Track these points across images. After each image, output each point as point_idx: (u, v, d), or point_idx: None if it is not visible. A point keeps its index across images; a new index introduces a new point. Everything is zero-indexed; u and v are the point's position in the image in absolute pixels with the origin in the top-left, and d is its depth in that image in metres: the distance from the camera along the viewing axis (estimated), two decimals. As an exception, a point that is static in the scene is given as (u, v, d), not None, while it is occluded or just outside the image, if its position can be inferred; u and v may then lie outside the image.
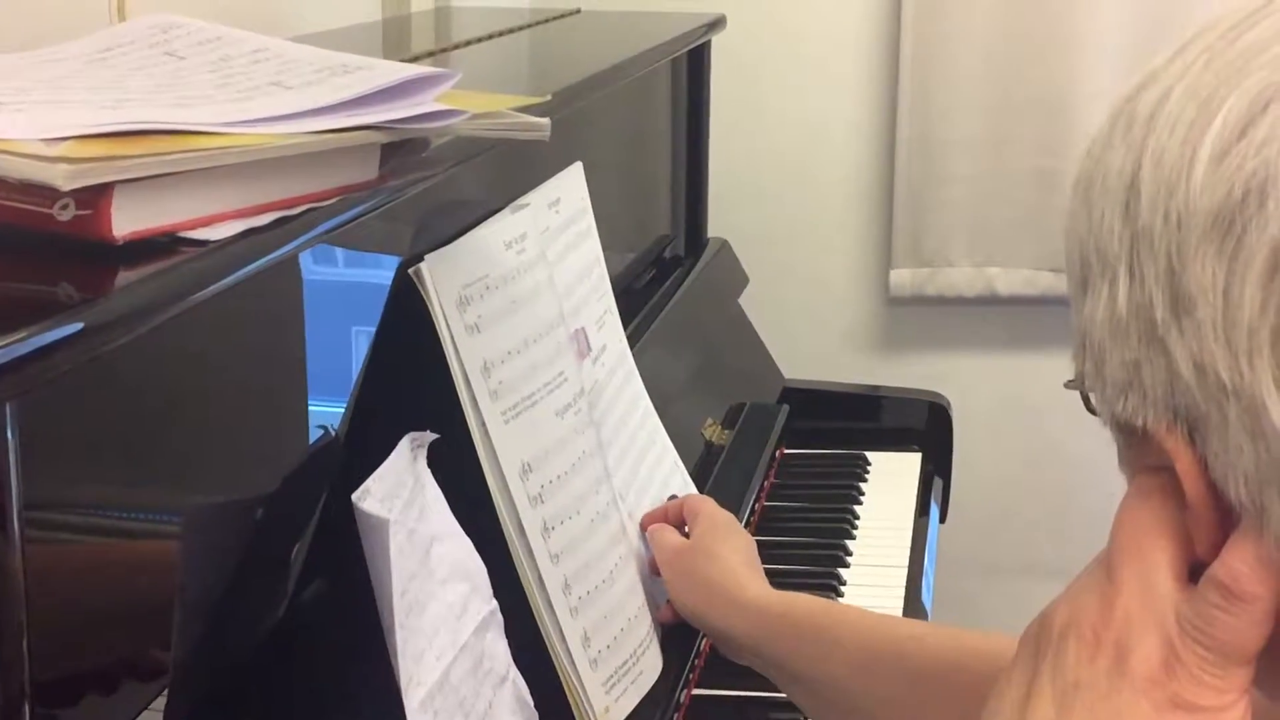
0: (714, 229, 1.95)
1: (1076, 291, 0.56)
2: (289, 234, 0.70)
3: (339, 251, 0.95)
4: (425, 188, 0.89)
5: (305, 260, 0.87)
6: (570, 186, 1.24)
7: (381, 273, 0.97)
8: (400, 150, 0.80)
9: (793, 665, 1.01)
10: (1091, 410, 0.58)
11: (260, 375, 0.86)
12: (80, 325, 0.56)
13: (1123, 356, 0.52)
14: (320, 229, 0.74)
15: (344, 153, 0.74)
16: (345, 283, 0.98)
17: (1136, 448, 0.55)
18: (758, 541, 1.19)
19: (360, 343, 0.98)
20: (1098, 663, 0.53)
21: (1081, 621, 0.55)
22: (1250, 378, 0.48)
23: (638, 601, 1.10)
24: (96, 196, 0.62)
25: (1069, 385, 0.61)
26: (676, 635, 1.15)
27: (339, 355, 0.97)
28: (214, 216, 0.66)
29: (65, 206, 0.62)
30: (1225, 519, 0.52)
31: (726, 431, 1.59)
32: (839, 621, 1.00)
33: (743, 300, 1.93)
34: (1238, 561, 0.51)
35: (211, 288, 0.64)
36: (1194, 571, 0.54)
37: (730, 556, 1.10)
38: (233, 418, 0.83)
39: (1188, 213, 0.50)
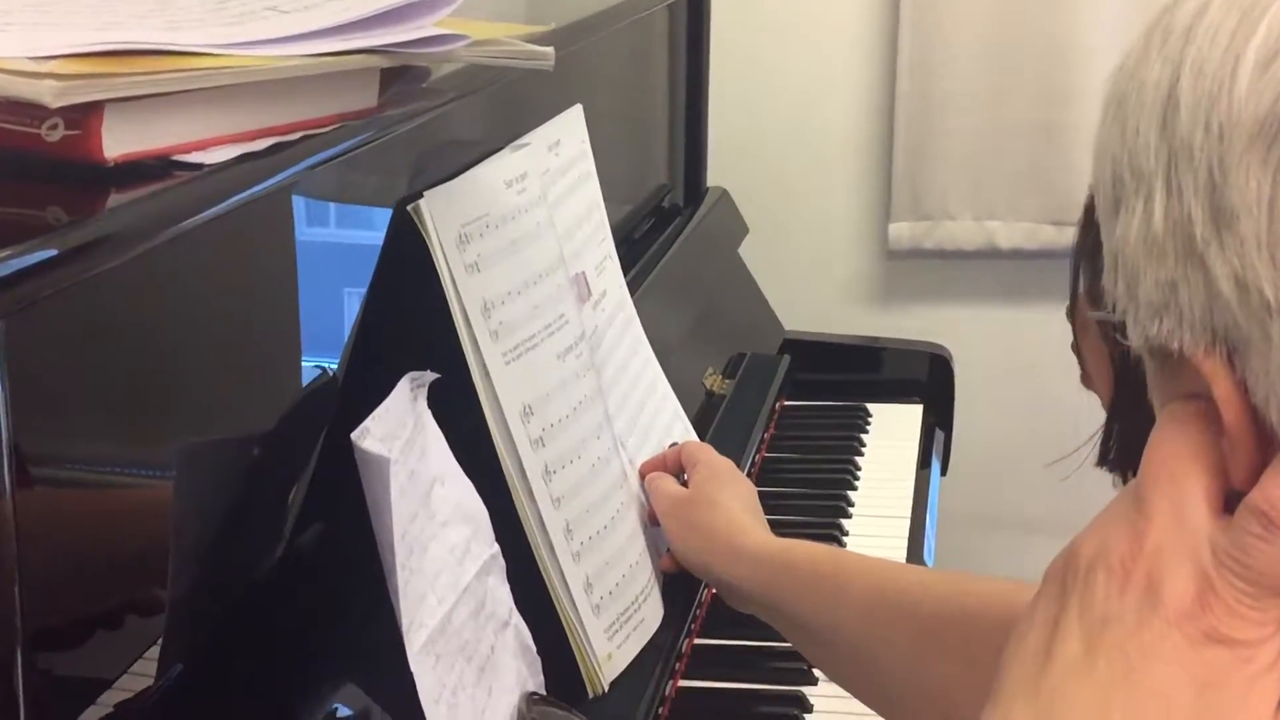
0: (713, 181, 1.93)
1: (1108, 213, 0.53)
2: (285, 160, 0.68)
3: (332, 212, 0.93)
4: (424, 122, 0.87)
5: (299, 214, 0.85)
6: (570, 128, 1.21)
7: (374, 234, 0.95)
8: (400, 79, 0.78)
9: (797, 613, 0.99)
10: (1109, 337, 0.56)
11: (257, 313, 0.84)
12: (68, 247, 0.54)
13: (1158, 276, 0.50)
14: (318, 157, 0.71)
15: (342, 78, 0.71)
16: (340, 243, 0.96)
17: (1170, 372, 0.53)
18: (759, 494, 1.17)
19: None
20: (1128, 596, 0.51)
21: (1110, 554, 0.52)
22: None
23: (639, 548, 1.08)
24: (86, 117, 0.60)
25: (1070, 315, 0.58)
26: (678, 584, 1.13)
27: (333, 312, 0.95)
28: (208, 140, 0.64)
29: (54, 127, 0.59)
30: (1264, 445, 0.50)
31: (727, 381, 1.57)
32: (844, 568, 0.99)
33: (741, 253, 1.91)
34: (1278, 488, 0.48)
35: (206, 213, 0.62)
36: (1228, 503, 0.52)
37: (731, 504, 1.09)
38: (230, 354, 0.80)
39: (1230, 123, 0.47)
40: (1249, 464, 0.50)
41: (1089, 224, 0.60)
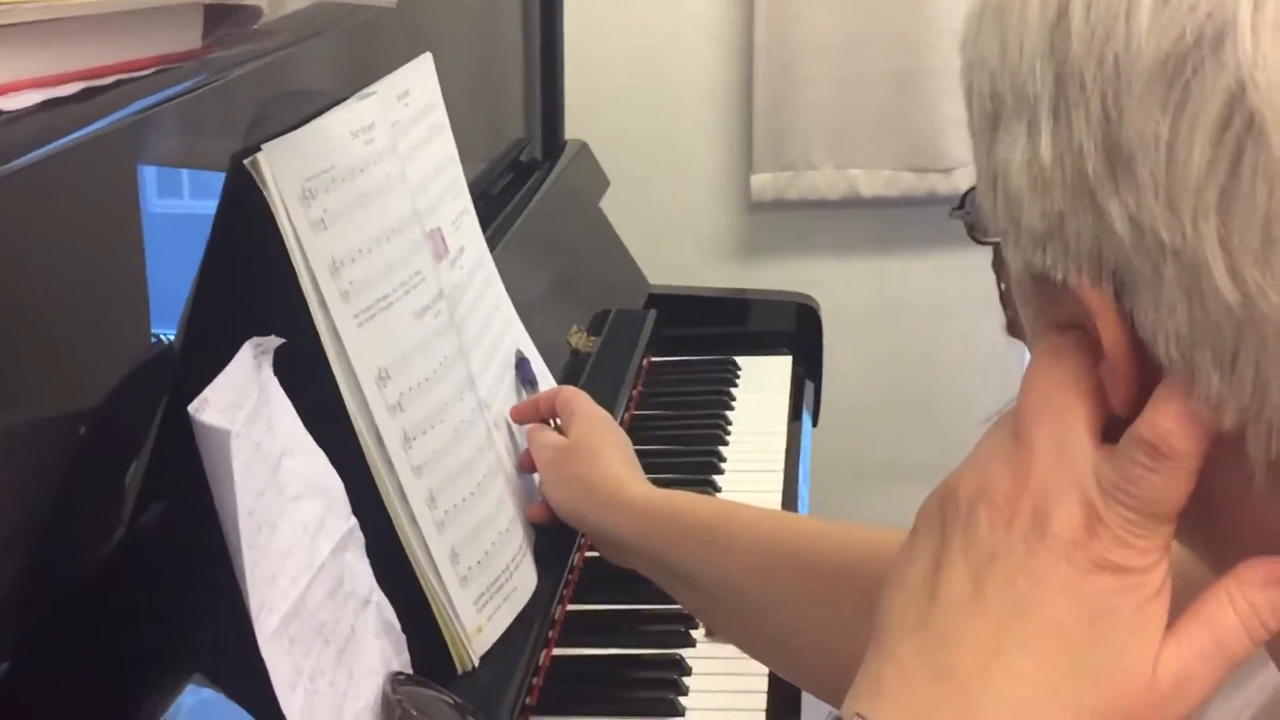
0: (571, 135, 1.88)
1: (983, 127, 0.50)
2: (99, 108, 0.62)
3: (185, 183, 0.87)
4: (259, 69, 0.80)
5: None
6: (420, 78, 1.15)
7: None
8: (227, 20, 0.72)
9: (681, 565, 0.96)
10: (977, 240, 0.55)
11: (86, 282, 0.77)
12: None
13: (1044, 207, 0.48)
14: (138, 105, 0.65)
15: (159, 15, 0.65)
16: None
17: (1048, 296, 0.51)
18: (630, 452, 1.13)
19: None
20: (1014, 530, 0.50)
21: (992, 490, 0.51)
22: (1193, 239, 0.44)
23: (508, 515, 1.03)
24: None
25: (953, 213, 0.57)
26: (550, 550, 1.09)
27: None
28: (6, 85, 0.57)
29: None
30: (1145, 375, 0.49)
31: (593, 338, 1.53)
32: (731, 519, 0.95)
33: (603, 208, 1.86)
34: (1165, 418, 0.48)
35: (10, 165, 0.55)
36: (1107, 431, 0.51)
37: (611, 455, 1.05)
38: (52, 326, 0.74)
39: (1128, 58, 0.45)
40: (1129, 391, 0.49)
41: None
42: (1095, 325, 0.49)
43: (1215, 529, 0.51)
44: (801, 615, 0.88)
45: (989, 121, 0.50)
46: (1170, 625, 0.49)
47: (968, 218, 0.57)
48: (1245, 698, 0.59)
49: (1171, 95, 0.44)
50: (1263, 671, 0.57)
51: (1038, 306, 0.52)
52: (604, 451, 1.05)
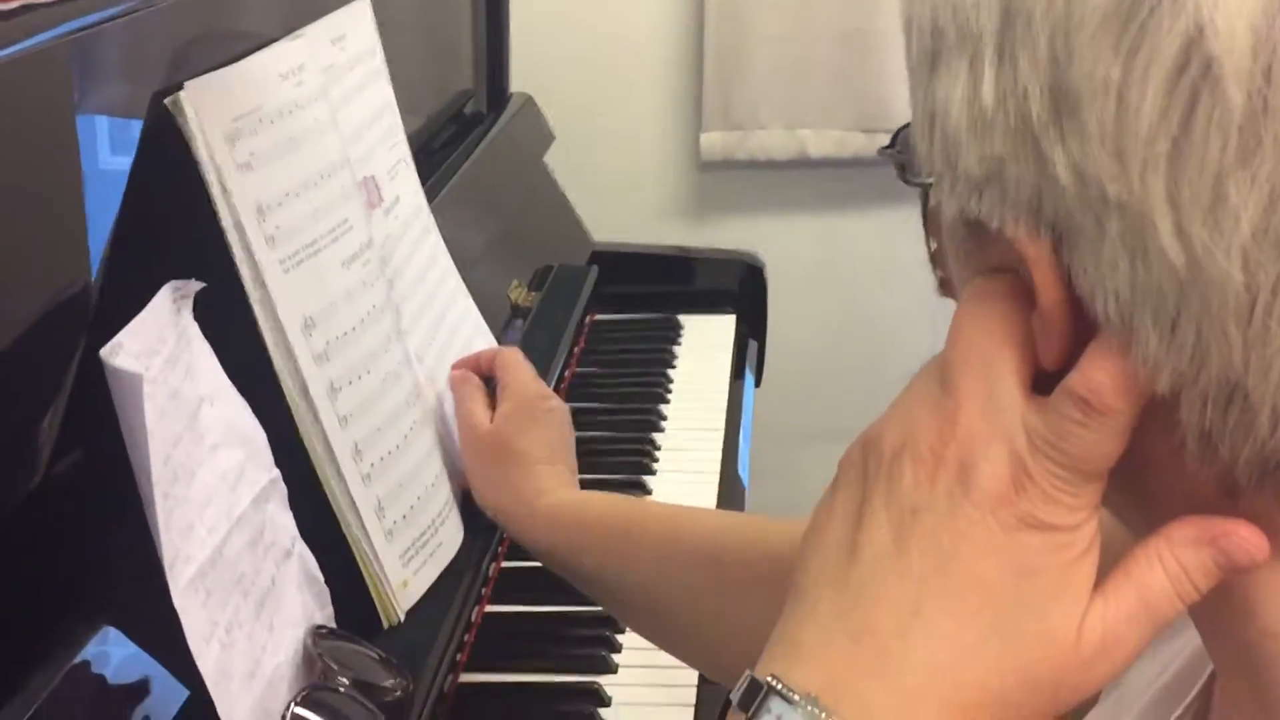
0: (517, 88, 1.85)
1: (921, 64, 0.48)
2: (10, 33, 0.59)
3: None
4: (180, 2, 0.78)
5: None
6: (357, 22, 1.12)
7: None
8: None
9: (590, 570, 0.95)
10: (907, 181, 0.52)
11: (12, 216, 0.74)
12: None
13: (983, 151, 0.45)
14: (45, 35, 0.62)
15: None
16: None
17: (979, 242, 0.48)
18: (570, 410, 1.11)
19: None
20: (938, 484, 0.48)
21: (918, 440, 0.49)
22: (1140, 192, 0.42)
23: (435, 468, 1.01)
24: None
25: (883, 152, 0.54)
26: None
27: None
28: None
29: None
30: (1079, 330, 0.46)
31: (533, 294, 1.51)
32: (638, 521, 0.94)
33: (548, 164, 1.83)
34: (1099, 373, 0.45)
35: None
36: (1037, 383, 0.48)
37: (531, 451, 1.03)
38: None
39: None
40: (1060, 345, 0.47)
41: None
42: (1030, 272, 0.46)
43: (1144, 493, 0.49)
44: (712, 609, 0.87)
45: (928, 58, 0.47)
46: (1097, 585, 0.48)
47: (899, 157, 0.54)
48: (1163, 660, 0.58)
49: (1125, 37, 0.41)
50: (1183, 634, 0.56)
51: (968, 251, 0.50)
52: (523, 446, 1.03)
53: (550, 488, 1.00)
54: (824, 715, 0.47)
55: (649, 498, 1.33)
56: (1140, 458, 0.47)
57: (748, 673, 0.50)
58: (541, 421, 1.06)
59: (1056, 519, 0.47)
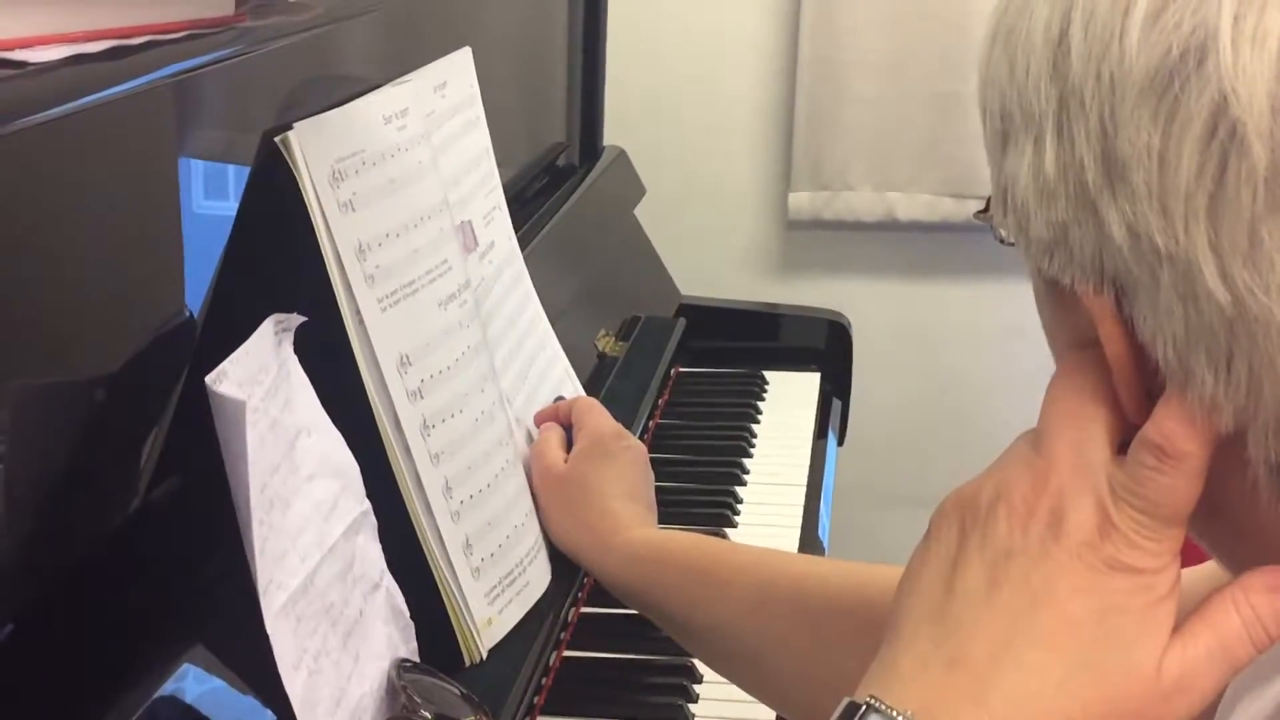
0: (610, 142, 1.88)
1: (995, 143, 0.54)
2: (127, 69, 0.61)
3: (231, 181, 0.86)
4: (295, 45, 0.80)
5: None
6: (458, 71, 1.15)
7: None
8: (262, -9, 0.72)
9: (673, 610, 0.95)
10: (1001, 241, 0.57)
11: (112, 250, 0.77)
12: None
13: (1049, 217, 0.51)
14: (167, 70, 0.65)
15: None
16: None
17: (1064, 308, 0.54)
18: (652, 460, 1.12)
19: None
20: (1030, 531, 0.53)
21: (1012, 493, 0.54)
22: (1185, 243, 0.47)
23: (524, 509, 1.02)
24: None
25: (978, 216, 0.59)
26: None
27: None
28: (33, 38, 0.57)
29: None
30: (1151, 383, 0.51)
31: (620, 344, 1.52)
32: (724, 563, 0.94)
33: (638, 218, 1.85)
34: (1169, 421, 0.50)
35: (29, 118, 0.55)
36: (1124, 447, 0.53)
37: (605, 488, 1.03)
38: (77, 291, 0.73)
39: (1121, 74, 0.48)
40: (1137, 400, 0.52)
41: None
42: (1098, 327, 0.51)
43: (1224, 535, 0.53)
44: (804, 658, 0.87)
45: (999, 139, 0.53)
46: (1176, 628, 0.51)
47: (990, 220, 0.58)
48: (1270, 693, 0.59)
49: (1162, 108, 0.46)
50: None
51: (1053, 316, 0.55)
52: (596, 483, 1.03)
53: (628, 524, 1.00)
54: None
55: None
56: (1218, 502, 0.51)
57: (846, 698, 0.53)
58: (617, 459, 1.07)
59: (1139, 562, 0.51)
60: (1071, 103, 0.49)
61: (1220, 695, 0.62)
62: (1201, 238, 0.46)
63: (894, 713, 0.51)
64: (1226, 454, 0.50)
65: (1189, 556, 0.54)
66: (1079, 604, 0.51)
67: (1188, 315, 0.47)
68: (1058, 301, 0.54)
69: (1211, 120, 0.46)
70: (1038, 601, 0.51)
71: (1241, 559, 0.52)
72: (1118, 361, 0.51)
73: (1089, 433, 0.53)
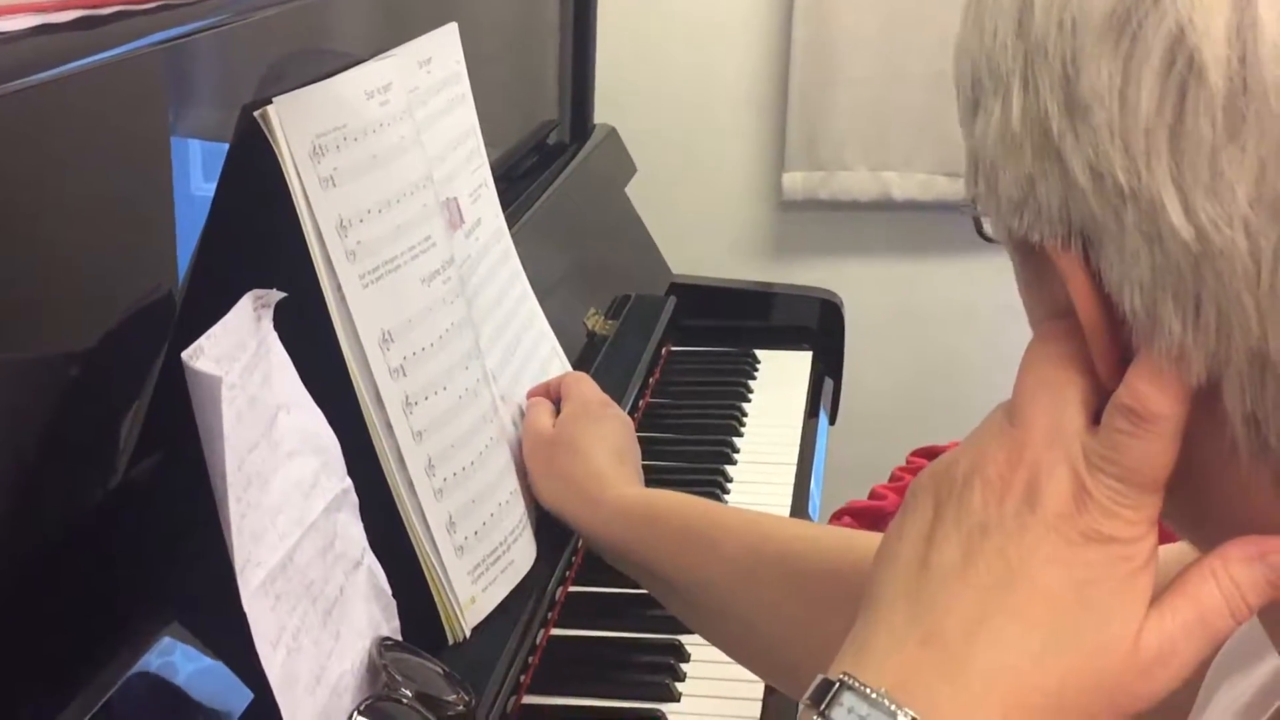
0: (601, 121, 1.87)
1: (967, 114, 0.53)
2: (96, 40, 0.60)
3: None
4: (270, 15, 0.79)
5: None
6: (443, 47, 1.14)
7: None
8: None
9: (662, 569, 0.94)
10: (984, 237, 0.57)
11: (85, 227, 0.76)
12: None
13: (1016, 172, 0.50)
14: (138, 43, 0.64)
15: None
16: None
17: (1034, 272, 0.53)
18: (642, 438, 1.12)
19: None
20: (1006, 504, 0.52)
21: (987, 467, 0.53)
22: (1148, 179, 0.46)
23: (509, 487, 1.02)
24: None
25: (964, 209, 0.58)
26: (553, 528, 1.07)
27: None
28: None
29: None
30: (1126, 350, 0.50)
31: (610, 322, 1.51)
32: (715, 523, 0.93)
33: (629, 197, 1.84)
34: (1140, 382, 0.49)
35: (-2, 87, 0.54)
36: (1100, 417, 0.52)
37: (593, 448, 1.03)
38: (42, 264, 0.73)
39: (1082, 16, 0.48)
40: (1112, 365, 0.51)
41: None
42: (1067, 287, 0.50)
43: (1202, 505, 0.51)
44: (794, 622, 0.86)
45: (970, 108, 0.52)
46: (1154, 600, 0.51)
47: (975, 208, 0.57)
48: (1249, 680, 0.58)
49: (1121, 44, 0.46)
50: (1266, 660, 0.57)
51: (1028, 287, 0.54)
52: (584, 444, 1.03)
53: (615, 483, 1.00)
54: (894, 708, 0.50)
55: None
56: (1197, 467, 0.50)
57: (819, 676, 0.52)
58: (604, 423, 1.07)
59: (1116, 532, 0.50)
60: (1036, 56, 0.49)
61: (1201, 678, 0.62)
62: (1164, 172, 0.46)
63: (868, 690, 0.50)
64: (1202, 415, 0.49)
65: (1162, 539, 0.54)
66: (1055, 576, 0.50)
67: (1153, 257, 0.47)
68: (1032, 269, 0.53)
69: (1169, 52, 0.45)
70: (1013, 575, 0.51)
71: (1217, 535, 0.51)
72: (1090, 323, 0.50)
73: (1063, 400, 0.52)
